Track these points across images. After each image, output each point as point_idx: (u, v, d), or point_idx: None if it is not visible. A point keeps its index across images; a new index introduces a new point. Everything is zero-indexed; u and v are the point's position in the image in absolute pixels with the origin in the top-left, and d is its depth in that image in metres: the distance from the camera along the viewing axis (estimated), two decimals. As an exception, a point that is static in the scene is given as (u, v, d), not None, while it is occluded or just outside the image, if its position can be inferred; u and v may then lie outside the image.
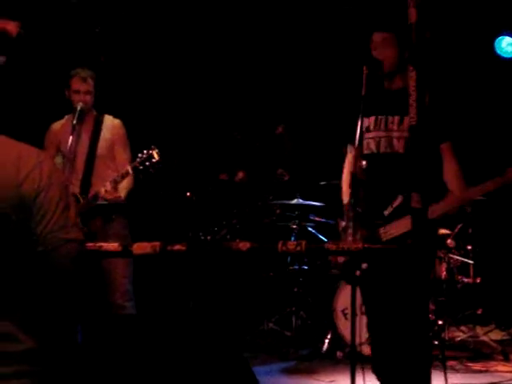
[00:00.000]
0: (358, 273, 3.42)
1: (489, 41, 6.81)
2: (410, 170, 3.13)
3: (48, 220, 1.68)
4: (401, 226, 3.58)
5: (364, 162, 3.71)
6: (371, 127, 3.85)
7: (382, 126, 3.83)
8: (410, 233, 2.83)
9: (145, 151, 4.39)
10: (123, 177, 4.48)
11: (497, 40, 6.81)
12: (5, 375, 1.59)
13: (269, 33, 7.03)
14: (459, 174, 3.76)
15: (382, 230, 3.72)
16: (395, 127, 3.79)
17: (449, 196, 3.68)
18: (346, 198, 3.89)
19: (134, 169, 4.40)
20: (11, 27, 1.79)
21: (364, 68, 3.74)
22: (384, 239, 3.68)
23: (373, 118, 3.85)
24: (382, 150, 3.81)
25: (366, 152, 3.83)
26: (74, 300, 1.74)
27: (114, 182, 4.48)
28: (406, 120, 3.67)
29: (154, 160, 4.35)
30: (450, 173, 3.73)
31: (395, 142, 3.78)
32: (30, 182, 1.67)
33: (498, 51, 6.82)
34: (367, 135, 3.84)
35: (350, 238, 3.61)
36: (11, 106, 1.84)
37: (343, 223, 3.82)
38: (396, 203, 3.68)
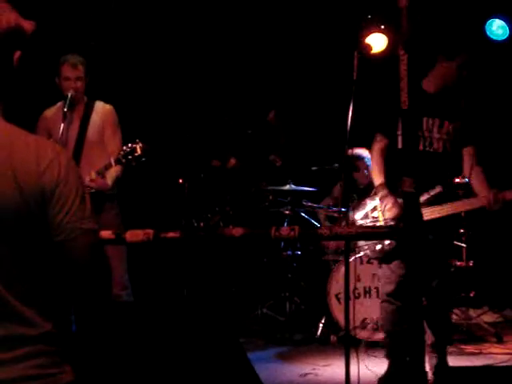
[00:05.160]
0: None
1: (479, 24, 6.79)
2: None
3: (67, 210, 1.73)
4: (442, 211, 4.11)
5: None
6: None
7: (425, 126, 4.24)
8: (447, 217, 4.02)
9: (129, 144, 4.41)
10: (107, 168, 4.49)
11: (487, 23, 6.80)
12: (26, 355, 1.67)
13: (260, 18, 7.00)
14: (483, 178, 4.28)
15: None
16: (435, 129, 4.24)
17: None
18: (380, 179, 4.27)
19: (117, 161, 4.41)
20: (28, 25, 1.82)
21: (355, 53, 3.79)
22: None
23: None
24: (423, 148, 4.24)
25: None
26: (91, 289, 1.80)
27: (97, 173, 4.49)
28: (446, 124, 4.26)
29: (136, 154, 4.37)
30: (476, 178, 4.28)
31: (435, 142, 4.26)
32: (49, 174, 1.72)
33: (489, 34, 6.80)
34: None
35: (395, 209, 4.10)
36: (19, 97, 1.87)
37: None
38: (434, 192, 4.15)
